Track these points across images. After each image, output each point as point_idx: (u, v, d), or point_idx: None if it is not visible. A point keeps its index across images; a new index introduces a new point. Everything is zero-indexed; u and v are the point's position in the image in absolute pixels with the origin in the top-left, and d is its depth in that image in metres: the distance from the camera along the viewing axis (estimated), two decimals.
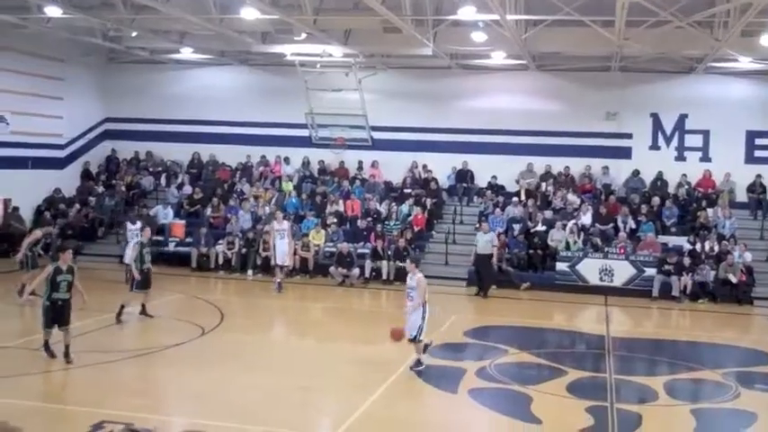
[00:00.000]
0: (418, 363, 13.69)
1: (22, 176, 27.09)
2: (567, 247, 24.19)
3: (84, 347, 14.72)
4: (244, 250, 25.36)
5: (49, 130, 28.62)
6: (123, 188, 29.59)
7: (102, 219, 28.01)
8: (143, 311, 17.75)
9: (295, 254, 24.13)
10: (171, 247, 26.43)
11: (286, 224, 22.59)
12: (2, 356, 14.09)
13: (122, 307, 17.27)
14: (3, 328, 16.49)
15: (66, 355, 13.50)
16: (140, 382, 12.98)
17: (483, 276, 22.90)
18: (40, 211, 27.83)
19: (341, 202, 27.59)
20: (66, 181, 29.54)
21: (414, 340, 13.67)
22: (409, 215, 26.66)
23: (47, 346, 13.61)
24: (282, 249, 22.00)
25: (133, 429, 2.71)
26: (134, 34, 25.18)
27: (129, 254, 20.65)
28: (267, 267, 23.97)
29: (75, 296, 13.90)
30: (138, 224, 23.48)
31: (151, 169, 30.96)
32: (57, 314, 13.57)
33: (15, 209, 26.96)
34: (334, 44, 24.63)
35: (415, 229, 25.95)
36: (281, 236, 22.01)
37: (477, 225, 25.03)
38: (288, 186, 28.92)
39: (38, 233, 19.86)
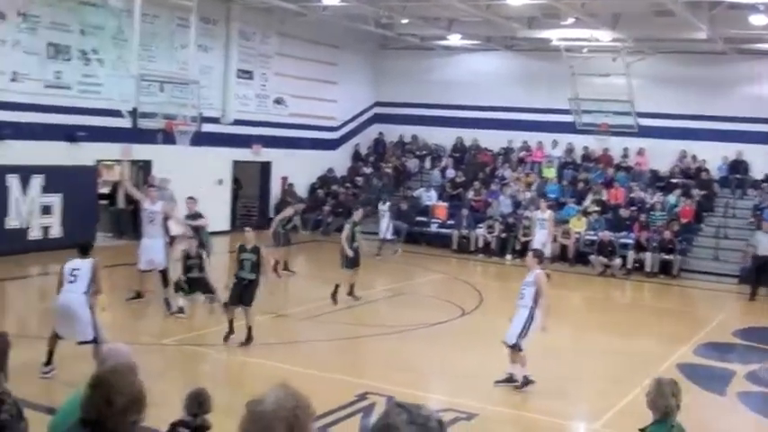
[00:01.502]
0: (517, 379, 11.55)
1: (299, 156, 28.77)
2: None
3: (349, 320, 15.56)
4: (503, 234, 25.57)
5: (324, 113, 30.19)
6: (389, 170, 30.70)
7: (369, 198, 29.23)
8: (350, 292, 17.42)
9: (554, 240, 24.09)
10: (433, 229, 27.23)
11: (549, 213, 22.13)
12: (275, 324, 15.16)
13: (337, 287, 16.95)
14: (277, 299, 17.68)
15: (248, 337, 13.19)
16: (402, 357, 13.41)
17: (763, 280, 20.79)
18: (314, 188, 29.51)
19: (603, 189, 27.06)
20: (338, 161, 31.08)
21: (512, 347, 11.62)
22: (676, 206, 25.66)
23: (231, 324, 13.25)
24: (540, 239, 21.35)
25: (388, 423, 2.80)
26: (405, 21, 25.99)
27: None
28: (525, 253, 24.02)
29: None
30: (388, 203, 24.49)
31: (416, 152, 31.86)
32: (241, 292, 13.26)
33: (290, 185, 28.79)
34: (602, 29, 24.12)
35: (683, 221, 24.95)
36: (541, 225, 21.69)
37: (752, 220, 23.68)
38: (549, 172, 28.77)
39: (289, 210, 20.46)
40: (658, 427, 6.07)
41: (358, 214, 18.48)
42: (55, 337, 10.96)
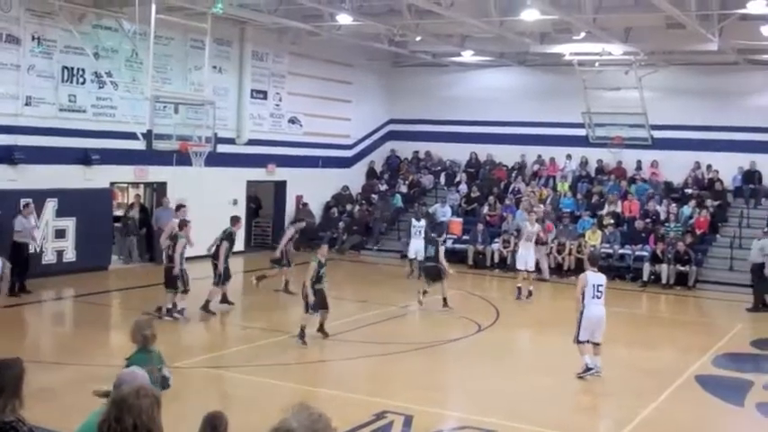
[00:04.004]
0: (586, 368, 12.87)
1: (313, 175, 28.86)
2: None
3: (366, 338, 15.53)
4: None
5: (338, 132, 30.28)
6: (405, 187, 30.75)
7: (384, 215, 29.25)
8: (444, 303, 18.67)
9: (570, 254, 24.09)
10: (448, 244, 27.13)
11: (537, 227, 21.59)
12: (291, 344, 15.14)
13: (425, 292, 18.64)
14: (293, 320, 17.69)
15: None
16: (420, 374, 13.40)
17: (756, 288, 20.77)
18: (329, 207, 29.56)
19: (618, 202, 26.98)
20: (353, 179, 31.11)
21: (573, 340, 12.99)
22: (691, 217, 25.57)
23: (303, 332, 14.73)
24: (522, 253, 21.08)
25: None
26: (418, 39, 26.02)
27: (413, 249, 22.61)
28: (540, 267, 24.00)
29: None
30: (423, 221, 24.32)
31: (431, 168, 31.89)
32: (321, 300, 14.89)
33: (305, 204, 28.86)
34: (613, 42, 24.10)
35: (698, 232, 24.85)
36: (528, 238, 21.18)
37: (766, 230, 23.51)
38: (563, 186, 28.73)
39: (291, 230, 20.15)
40: (141, 355, 7.42)
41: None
42: None
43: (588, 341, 12.90)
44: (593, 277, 12.96)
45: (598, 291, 12.82)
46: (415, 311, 18.83)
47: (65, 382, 11.63)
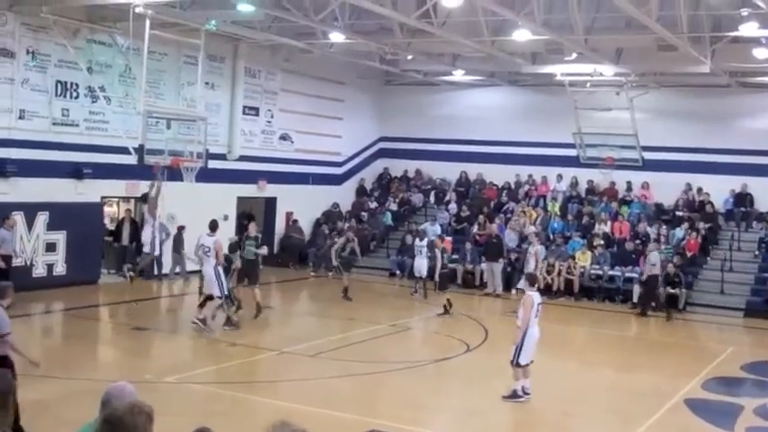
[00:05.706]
0: (513, 393, 12.67)
1: (304, 191, 28.87)
2: None
3: (353, 357, 15.47)
4: (509, 269, 25.46)
5: (329, 149, 30.33)
6: (395, 205, 30.75)
7: (374, 233, 29.22)
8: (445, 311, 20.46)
9: (559, 275, 24.07)
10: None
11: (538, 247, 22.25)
12: (279, 361, 15.11)
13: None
14: (281, 337, 17.65)
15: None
16: (408, 393, 13.32)
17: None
18: (319, 224, 29.51)
19: (608, 223, 27.01)
20: (343, 196, 31.10)
21: (512, 363, 12.66)
22: (683, 239, 25.58)
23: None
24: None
25: None
26: (409, 57, 26.16)
27: (418, 267, 22.94)
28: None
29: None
30: (426, 241, 24.25)
31: (421, 187, 31.91)
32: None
33: (295, 221, 28.82)
34: (605, 63, 24.24)
35: (688, 254, 24.88)
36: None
37: (757, 252, 23.70)
38: (553, 207, 28.74)
39: (341, 239, 21.91)
40: None
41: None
42: None
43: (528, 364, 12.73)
44: (537, 297, 12.97)
45: (538, 310, 12.84)
46: (406, 330, 18.79)
47: (55, 395, 11.59)
